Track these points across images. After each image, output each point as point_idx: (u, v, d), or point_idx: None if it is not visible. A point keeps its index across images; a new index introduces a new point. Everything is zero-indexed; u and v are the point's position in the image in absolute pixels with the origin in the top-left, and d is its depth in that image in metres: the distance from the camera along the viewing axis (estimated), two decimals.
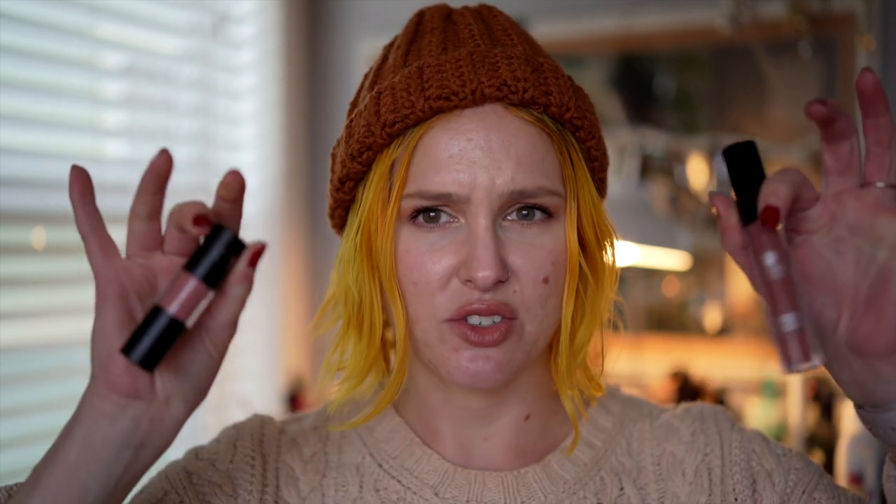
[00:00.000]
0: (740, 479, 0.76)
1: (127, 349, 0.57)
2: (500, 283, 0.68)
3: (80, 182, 0.61)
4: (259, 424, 0.81)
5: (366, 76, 0.78)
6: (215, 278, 0.59)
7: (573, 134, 0.72)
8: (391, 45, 0.79)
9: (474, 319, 0.69)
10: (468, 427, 0.77)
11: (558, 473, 0.76)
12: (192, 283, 0.58)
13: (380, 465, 0.77)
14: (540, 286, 0.69)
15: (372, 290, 0.72)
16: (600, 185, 0.76)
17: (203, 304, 0.59)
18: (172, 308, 0.57)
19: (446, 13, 0.78)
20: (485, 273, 0.66)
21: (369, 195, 0.71)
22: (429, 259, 0.69)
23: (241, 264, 0.60)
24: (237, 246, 0.60)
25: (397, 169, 0.70)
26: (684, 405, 0.84)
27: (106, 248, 0.61)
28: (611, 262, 0.75)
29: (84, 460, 0.58)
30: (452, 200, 0.68)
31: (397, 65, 0.73)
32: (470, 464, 0.77)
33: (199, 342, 0.61)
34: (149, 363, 0.57)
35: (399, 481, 0.76)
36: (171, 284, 0.58)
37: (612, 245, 0.75)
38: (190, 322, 0.58)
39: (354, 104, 0.77)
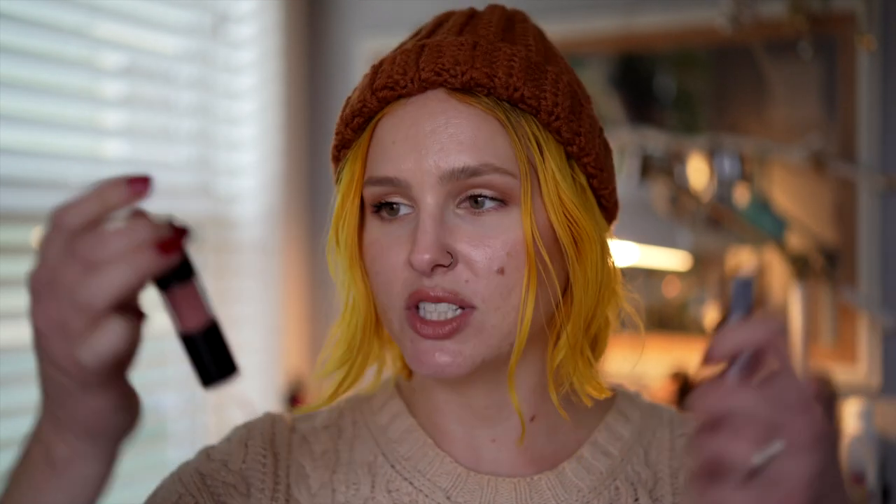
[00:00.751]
0: None
1: (205, 382, 0.55)
2: (442, 267, 0.68)
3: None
4: (270, 423, 0.81)
5: None
6: (186, 269, 0.55)
7: (535, 116, 0.69)
8: None
9: (429, 307, 0.69)
10: (476, 428, 0.77)
11: (572, 481, 0.75)
12: (178, 293, 0.55)
13: (392, 466, 0.77)
14: (495, 277, 0.68)
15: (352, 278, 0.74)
16: (595, 177, 0.73)
17: (202, 292, 0.56)
18: (192, 323, 0.55)
19: (449, 14, 0.78)
20: (420, 256, 0.66)
21: (340, 186, 0.74)
22: (387, 249, 0.70)
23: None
24: (178, 229, 0.56)
25: (357, 158, 0.72)
26: None
27: None
28: (589, 258, 0.71)
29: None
30: (397, 185, 0.69)
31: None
32: (480, 466, 0.76)
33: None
34: (229, 370, 0.55)
35: (411, 483, 0.76)
36: (169, 309, 0.55)
37: (586, 238, 0.71)
38: (211, 312, 0.56)
39: None
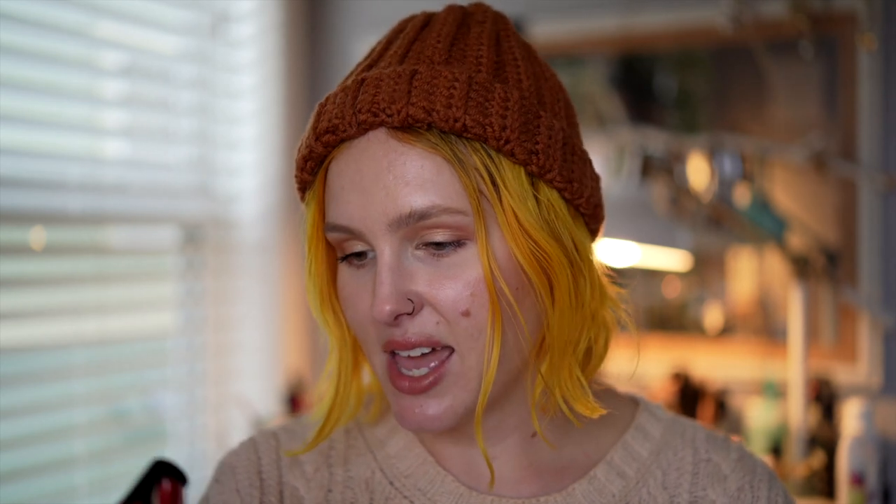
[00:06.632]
0: None
1: None
2: (406, 315, 0.65)
3: None
4: (253, 451, 0.79)
5: None
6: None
7: (484, 143, 0.65)
8: None
9: (403, 356, 0.66)
10: (472, 447, 0.74)
11: None
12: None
13: (391, 483, 0.74)
14: (462, 320, 0.65)
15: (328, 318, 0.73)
16: (563, 189, 0.68)
17: None
18: None
19: (402, 27, 0.73)
20: (380, 308, 0.64)
21: (306, 228, 0.72)
22: (356, 296, 0.68)
23: None
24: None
25: (315, 202, 0.70)
26: (738, 446, 0.78)
27: None
28: (560, 287, 0.67)
29: None
30: (352, 233, 0.67)
31: None
32: (482, 484, 0.74)
33: None
34: None
35: (412, 502, 0.73)
36: None
37: (557, 267, 0.66)
38: None
39: None
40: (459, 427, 0.73)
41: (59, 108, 2.03)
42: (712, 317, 2.20)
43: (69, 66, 2.03)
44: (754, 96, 2.15)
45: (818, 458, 1.85)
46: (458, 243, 0.65)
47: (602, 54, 2.28)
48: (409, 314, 0.65)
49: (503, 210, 0.65)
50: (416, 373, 0.66)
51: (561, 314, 0.67)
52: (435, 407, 0.66)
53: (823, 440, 1.88)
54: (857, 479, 1.63)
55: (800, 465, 1.87)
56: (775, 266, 2.12)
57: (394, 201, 0.64)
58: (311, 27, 2.64)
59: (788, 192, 2.09)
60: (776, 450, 1.94)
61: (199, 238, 2.35)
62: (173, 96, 2.32)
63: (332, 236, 0.69)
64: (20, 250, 1.93)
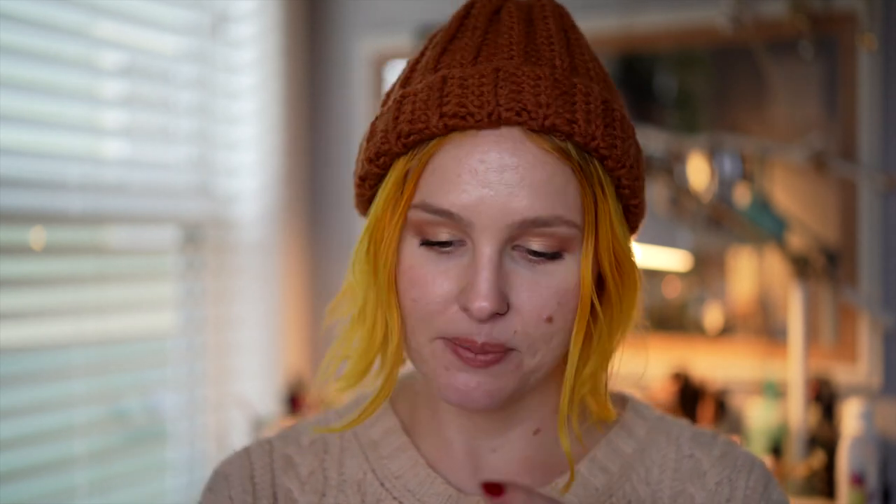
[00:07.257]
0: None
1: None
2: (497, 315, 0.65)
3: None
4: (246, 457, 0.79)
5: (406, 66, 0.74)
6: None
7: (601, 162, 0.66)
8: (434, 37, 0.74)
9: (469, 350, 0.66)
10: (477, 438, 0.75)
11: (568, 499, 0.73)
12: None
13: (382, 484, 0.75)
14: (543, 325, 0.66)
15: (375, 292, 0.70)
16: (632, 213, 0.72)
17: None
18: None
19: (496, 8, 0.73)
20: (482, 304, 0.63)
21: (380, 201, 0.69)
22: (431, 279, 0.66)
23: None
24: None
25: (409, 179, 0.67)
26: (725, 442, 0.79)
27: None
28: (627, 298, 0.71)
29: None
30: (456, 221, 0.65)
31: (429, 67, 0.70)
32: (479, 476, 0.75)
33: None
34: None
35: (401, 502, 0.74)
36: None
37: (629, 281, 0.70)
38: None
39: (388, 96, 0.74)
40: (469, 417, 0.74)
41: (59, 108, 2.03)
42: (712, 317, 2.20)
43: (69, 66, 2.03)
44: (754, 96, 2.15)
45: (818, 458, 1.85)
46: (554, 254, 0.66)
47: (602, 54, 2.27)
48: (500, 315, 0.65)
49: (605, 229, 0.67)
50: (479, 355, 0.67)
51: (620, 321, 0.71)
52: (488, 384, 0.66)
53: (823, 440, 1.88)
54: (857, 479, 1.63)
55: (800, 465, 1.88)
56: (775, 266, 2.12)
57: (518, 202, 0.64)
58: (311, 27, 2.64)
59: (788, 192, 2.09)
60: (776, 450, 1.94)
61: (199, 238, 2.35)
62: (173, 96, 2.32)
63: (423, 217, 0.66)
64: (20, 250, 1.93)
